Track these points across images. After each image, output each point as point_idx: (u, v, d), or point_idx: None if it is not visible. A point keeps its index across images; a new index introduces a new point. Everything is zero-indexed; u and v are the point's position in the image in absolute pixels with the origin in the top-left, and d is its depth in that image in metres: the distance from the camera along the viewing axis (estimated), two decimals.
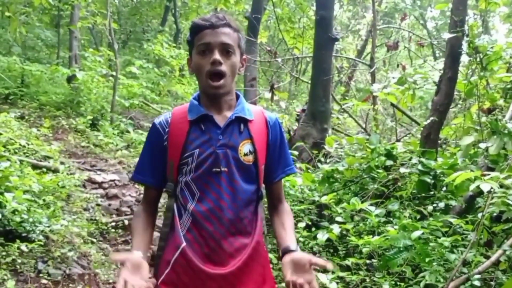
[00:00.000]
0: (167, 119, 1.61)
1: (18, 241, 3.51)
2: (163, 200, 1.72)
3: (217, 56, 1.50)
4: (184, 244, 1.53)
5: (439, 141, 4.91)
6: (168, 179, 1.61)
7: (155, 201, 1.69)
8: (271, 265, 1.76)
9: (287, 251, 1.54)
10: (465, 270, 2.87)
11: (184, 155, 1.55)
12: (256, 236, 1.60)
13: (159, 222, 1.76)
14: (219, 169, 1.54)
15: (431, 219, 3.39)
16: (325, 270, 3.37)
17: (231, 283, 1.53)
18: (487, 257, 2.95)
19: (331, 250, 3.76)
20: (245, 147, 1.58)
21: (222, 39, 1.52)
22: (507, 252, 2.82)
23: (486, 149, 3.74)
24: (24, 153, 5.63)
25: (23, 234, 3.64)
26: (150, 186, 1.66)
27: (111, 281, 3.95)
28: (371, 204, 3.56)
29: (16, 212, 3.71)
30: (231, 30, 1.55)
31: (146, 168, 1.64)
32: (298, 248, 1.56)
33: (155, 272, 1.61)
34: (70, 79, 9.30)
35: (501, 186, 2.74)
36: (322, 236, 3.40)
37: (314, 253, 3.65)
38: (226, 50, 1.53)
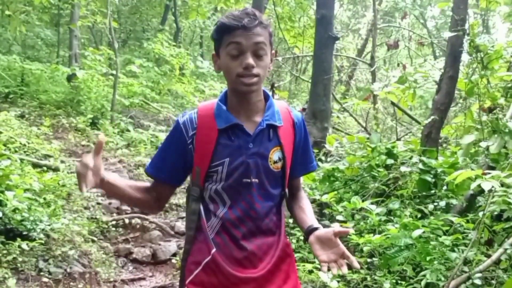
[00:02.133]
0: (192, 120, 1.55)
1: (19, 239, 3.51)
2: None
3: (250, 60, 1.44)
4: (214, 249, 1.53)
5: (439, 140, 4.91)
6: (193, 183, 1.58)
7: (163, 195, 1.65)
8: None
9: (310, 230, 1.55)
10: (466, 268, 2.87)
11: (213, 164, 1.52)
12: (282, 236, 1.61)
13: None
14: (249, 180, 1.52)
15: (432, 217, 3.39)
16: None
17: (260, 284, 1.54)
18: (488, 256, 2.96)
19: None
20: (274, 155, 1.55)
21: (256, 40, 1.45)
22: (508, 251, 2.82)
23: (487, 148, 3.74)
24: (25, 151, 5.63)
25: (24, 233, 3.64)
26: (163, 182, 1.62)
27: (111, 279, 3.95)
28: (372, 203, 3.57)
29: (17, 211, 3.71)
30: (263, 29, 1.47)
31: (161, 164, 1.59)
32: (320, 226, 1.57)
33: (182, 274, 1.61)
34: (70, 78, 9.28)
35: (502, 185, 2.74)
36: None
37: None
38: (258, 53, 1.46)
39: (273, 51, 1.58)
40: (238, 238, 1.54)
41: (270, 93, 1.66)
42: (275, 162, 1.56)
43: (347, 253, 1.45)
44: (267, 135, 1.55)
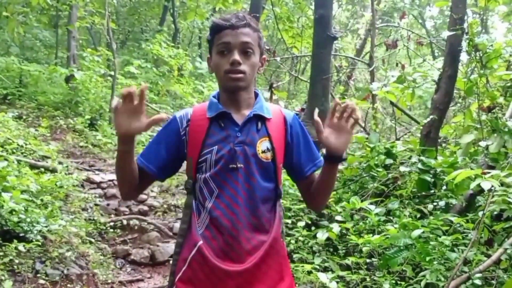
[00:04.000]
0: (187, 114, 1.64)
1: (15, 241, 3.49)
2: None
3: (236, 56, 1.52)
4: (201, 242, 1.54)
5: (439, 140, 4.90)
6: (187, 175, 1.63)
7: (144, 185, 1.67)
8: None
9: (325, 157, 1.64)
10: (466, 269, 2.85)
11: (203, 152, 1.57)
12: (273, 233, 1.60)
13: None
14: (235, 166, 1.55)
15: (431, 217, 3.38)
16: (325, 269, 3.36)
17: (248, 280, 1.53)
18: (488, 256, 2.94)
19: (331, 249, 3.75)
20: (262, 145, 1.59)
21: (242, 39, 1.54)
22: (508, 251, 2.80)
23: (486, 147, 3.73)
24: (22, 153, 5.60)
25: (21, 234, 3.61)
26: (149, 173, 1.64)
27: (109, 281, 3.93)
28: (371, 203, 3.55)
29: (14, 212, 3.68)
30: (251, 30, 1.56)
31: (153, 155, 1.63)
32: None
33: (173, 270, 1.62)
34: (68, 79, 9.27)
35: (502, 184, 2.72)
36: (322, 235, 3.38)
37: (314, 252, 3.64)
38: (245, 50, 1.55)
39: (264, 56, 1.65)
40: (228, 228, 1.53)
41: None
42: (263, 152, 1.58)
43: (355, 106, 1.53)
44: (255, 125, 1.60)
